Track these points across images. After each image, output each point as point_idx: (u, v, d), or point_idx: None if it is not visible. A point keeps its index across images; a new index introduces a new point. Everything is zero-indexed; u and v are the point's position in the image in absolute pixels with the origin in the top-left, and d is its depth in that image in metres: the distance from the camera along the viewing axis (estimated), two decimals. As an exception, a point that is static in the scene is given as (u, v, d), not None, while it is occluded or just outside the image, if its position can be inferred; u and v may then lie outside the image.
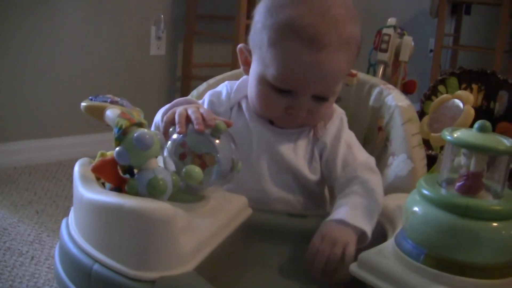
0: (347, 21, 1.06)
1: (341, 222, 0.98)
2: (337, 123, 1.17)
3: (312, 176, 1.14)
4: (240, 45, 1.18)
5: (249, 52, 1.15)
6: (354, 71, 1.34)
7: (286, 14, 1.04)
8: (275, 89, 1.07)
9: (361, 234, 0.98)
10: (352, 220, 0.98)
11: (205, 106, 1.18)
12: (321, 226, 0.98)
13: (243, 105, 1.16)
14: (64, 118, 2.78)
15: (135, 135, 0.82)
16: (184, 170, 0.87)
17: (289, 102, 1.08)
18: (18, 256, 1.80)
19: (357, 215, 0.99)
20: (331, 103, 1.14)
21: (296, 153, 1.14)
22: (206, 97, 1.21)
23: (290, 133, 1.14)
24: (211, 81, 1.37)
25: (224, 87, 1.21)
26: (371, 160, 1.15)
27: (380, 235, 0.95)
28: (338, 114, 1.18)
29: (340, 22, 1.04)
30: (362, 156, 1.14)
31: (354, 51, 1.09)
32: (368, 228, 0.98)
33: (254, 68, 1.11)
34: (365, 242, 0.98)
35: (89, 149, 2.75)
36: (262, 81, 1.09)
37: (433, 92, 2.38)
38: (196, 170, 0.87)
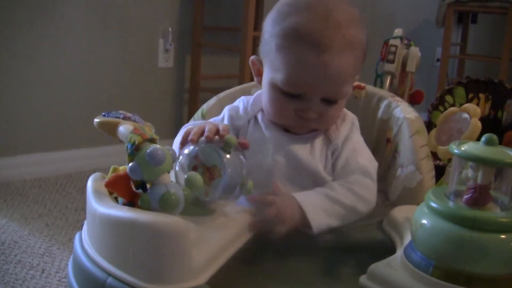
0: (350, 24, 1.10)
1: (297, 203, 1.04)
2: (348, 126, 1.20)
3: (328, 177, 1.16)
4: (252, 57, 1.22)
5: (261, 62, 1.19)
6: (362, 84, 1.36)
7: (291, 21, 1.09)
8: (285, 94, 1.11)
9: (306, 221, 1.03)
10: (304, 204, 1.04)
11: (225, 120, 1.22)
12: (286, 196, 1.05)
13: (259, 117, 1.20)
14: (73, 131, 2.81)
15: (147, 151, 0.84)
16: (185, 177, 0.89)
17: (299, 106, 1.12)
18: (29, 269, 1.82)
19: (317, 206, 1.05)
20: (341, 106, 1.16)
21: (313, 155, 1.16)
22: (226, 112, 1.24)
23: (306, 137, 1.17)
24: (221, 95, 1.39)
25: (241, 102, 1.25)
26: (372, 165, 1.17)
27: (389, 247, 0.96)
28: (350, 118, 1.22)
29: (343, 25, 1.08)
30: (364, 160, 1.17)
31: (359, 53, 1.12)
32: (315, 221, 1.03)
33: (265, 76, 1.16)
34: (308, 231, 1.03)
35: (98, 161, 2.78)
36: (273, 87, 1.13)
37: (440, 102, 2.38)
38: (198, 177, 0.88)
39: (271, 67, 1.13)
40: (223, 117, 1.23)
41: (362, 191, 1.11)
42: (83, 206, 2.36)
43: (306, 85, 1.09)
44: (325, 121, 1.15)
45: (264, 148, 1.16)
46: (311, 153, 1.16)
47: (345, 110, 1.23)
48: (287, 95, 1.11)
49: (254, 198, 1.01)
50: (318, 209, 1.04)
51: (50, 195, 2.48)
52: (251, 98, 1.24)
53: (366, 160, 1.17)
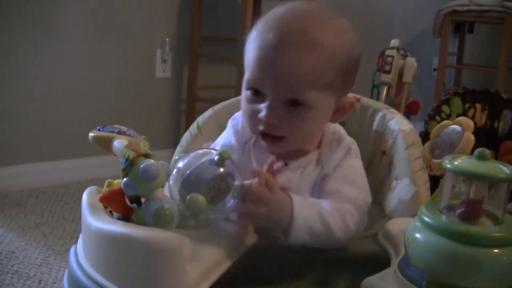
0: (319, 30, 1.05)
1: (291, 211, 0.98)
2: (342, 153, 1.15)
3: None
4: None
5: None
6: (357, 96, 1.36)
7: (260, 21, 1.10)
8: (251, 95, 1.09)
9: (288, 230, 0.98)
10: (297, 216, 0.97)
11: (231, 137, 1.21)
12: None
13: (251, 142, 1.19)
14: (70, 141, 2.81)
15: (141, 166, 0.84)
16: (188, 198, 0.88)
17: (262, 108, 1.07)
18: (26, 279, 1.82)
19: (307, 223, 0.98)
20: (312, 118, 1.09)
21: (299, 188, 1.12)
22: (230, 129, 1.23)
23: (295, 168, 1.14)
24: (216, 107, 1.39)
25: (239, 119, 1.22)
26: (362, 197, 1.11)
27: (383, 260, 0.96)
28: (346, 144, 1.16)
29: (307, 30, 1.04)
30: (354, 192, 1.10)
31: (323, 58, 1.05)
32: (295, 236, 0.98)
33: (243, 80, 1.13)
34: (282, 238, 0.99)
35: (95, 171, 2.79)
36: (244, 88, 1.11)
37: (437, 112, 2.39)
38: (200, 198, 0.87)
39: (245, 68, 1.11)
40: (230, 132, 1.22)
41: (351, 224, 1.04)
42: (81, 216, 2.35)
43: (260, 79, 1.06)
44: (290, 130, 1.08)
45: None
46: (297, 186, 1.11)
47: (342, 134, 1.19)
48: (253, 94, 1.08)
49: (259, 174, 0.97)
50: (306, 227, 0.98)
51: (47, 205, 2.48)
52: None
53: (356, 192, 1.10)
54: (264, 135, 1.10)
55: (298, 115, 1.07)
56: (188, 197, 0.87)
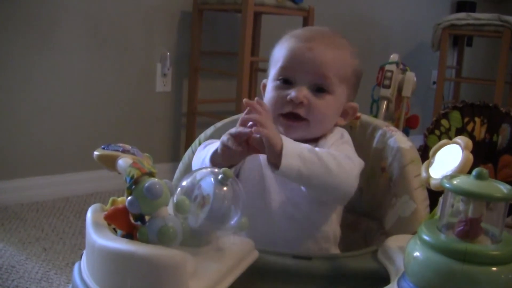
0: (337, 38, 1.29)
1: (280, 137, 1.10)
2: (337, 136, 1.28)
3: None
4: (263, 81, 1.33)
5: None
6: (358, 114, 1.37)
7: (290, 32, 1.30)
8: (281, 83, 1.25)
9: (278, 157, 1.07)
10: (286, 142, 1.09)
11: None
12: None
13: None
14: (70, 155, 2.82)
15: (145, 185, 0.85)
16: (174, 201, 0.90)
17: (291, 92, 1.22)
18: (27, 294, 1.82)
19: (295, 149, 1.09)
20: (330, 104, 1.25)
21: None
22: None
23: None
24: (218, 124, 1.41)
25: None
26: (357, 159, 1.21)
27: (383, 277, 0.97)
28: (339, 130, 1.31)
29: (330, 36, 1.28)
30: (349, 152, 1.23)
31: (345, 56, 1.27)
32: (287, 160, 1.07)
33: (269, 80, 1.30)
34: (274, 168, 1.08)
35: (95, 185, 2.80)
36: (273, 81, 1.27)
37: (436, 126, 2.40)
38: (186, 202, 0.89)
39: (273, 67, 1.28)
40: None
41: (342, 159, 1.14)
42: (81, 230, 2.37)
43: (294, 68, 1.24)
44: (314, 111, 1.23)
45: (257, 165, 1.23)
46: None
47: (335, 127, 1.30)
48: (283, 82, 1.25)
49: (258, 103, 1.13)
50: (295, 152, 1.08)
51: (47, 219, 2.48)
52: None
53: (351, 153, 1.23)
54: (288, 116, 1.24)
55: (322, 99, 1.24)
56: (174, 200, 0.89)
